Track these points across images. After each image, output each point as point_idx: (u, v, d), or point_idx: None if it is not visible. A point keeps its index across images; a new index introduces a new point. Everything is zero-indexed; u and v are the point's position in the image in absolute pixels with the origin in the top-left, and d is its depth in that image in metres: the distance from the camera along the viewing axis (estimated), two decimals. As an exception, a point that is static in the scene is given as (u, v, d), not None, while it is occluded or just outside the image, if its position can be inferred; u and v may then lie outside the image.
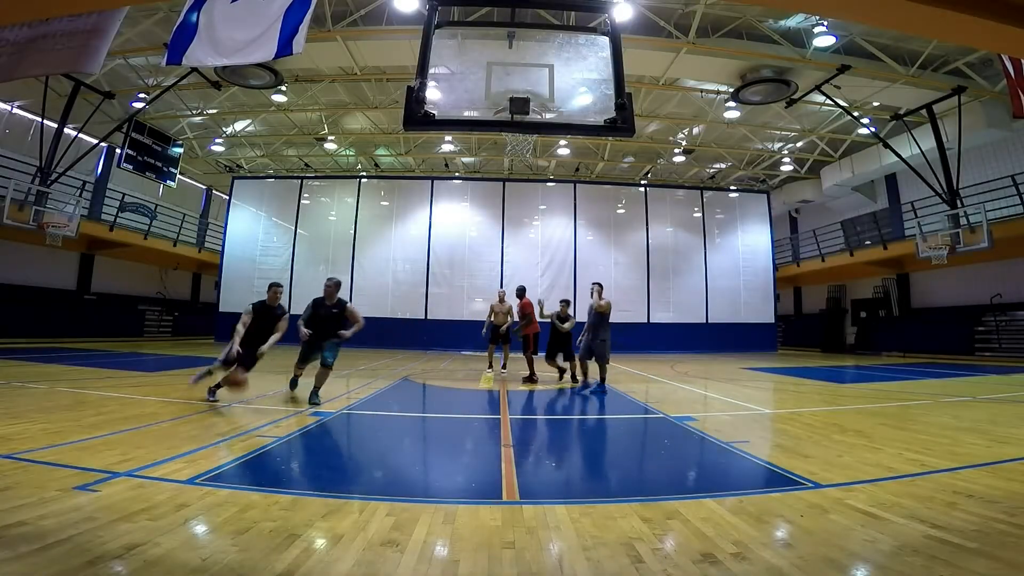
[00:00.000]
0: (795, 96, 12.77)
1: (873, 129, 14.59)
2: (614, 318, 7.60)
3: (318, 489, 2.83)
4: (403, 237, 18.65)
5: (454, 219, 18.76)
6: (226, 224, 19.29)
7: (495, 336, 8.84)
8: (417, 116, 2.66)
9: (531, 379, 7.93)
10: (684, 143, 17.67)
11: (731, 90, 12.84)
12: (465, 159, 19.89)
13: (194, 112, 15.56)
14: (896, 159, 14.22)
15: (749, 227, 19.85)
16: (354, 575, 1.84)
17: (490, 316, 8.87)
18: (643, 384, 8.41)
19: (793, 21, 10.94)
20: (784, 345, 21.01)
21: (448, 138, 18.02)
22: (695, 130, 16.86)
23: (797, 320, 23.14)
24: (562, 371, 8.05)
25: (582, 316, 7.57)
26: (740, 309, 19.08)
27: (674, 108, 15.12)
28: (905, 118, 13.56)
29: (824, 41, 10.99)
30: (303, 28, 6.78)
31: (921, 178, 13.33)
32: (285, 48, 6.76)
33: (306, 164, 19.78)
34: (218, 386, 5.21)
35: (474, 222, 18.89)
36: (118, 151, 15.56)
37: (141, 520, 2.22)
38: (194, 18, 7.11)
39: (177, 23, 7.31)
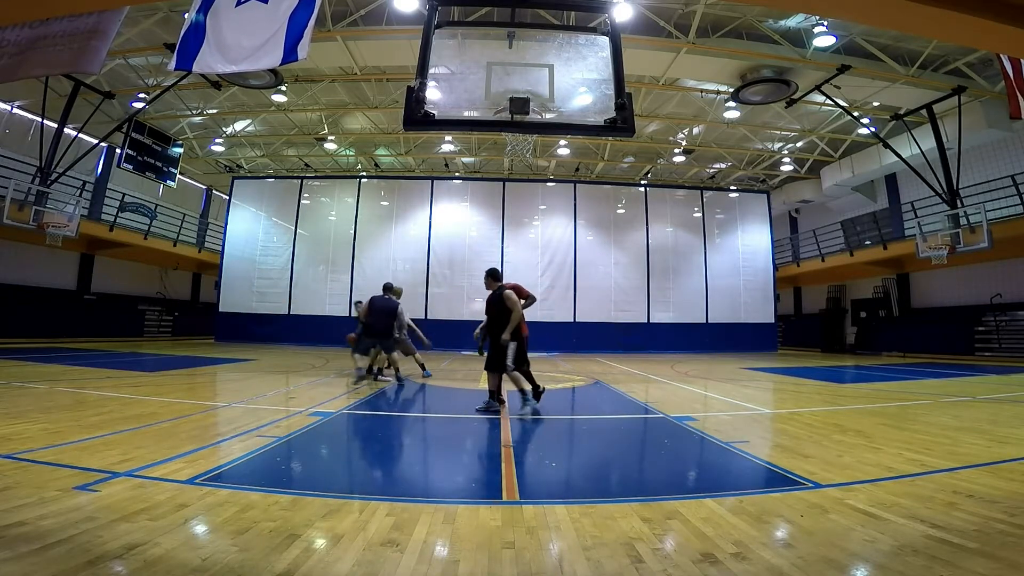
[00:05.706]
0: (795, 96, 12.78)
1: (873, 129, 14.58)
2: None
3: (318, 489, 2.83)
4: (403, 237, 18.65)
5: (454, 219, 18.77)
6: (226, 224, 19.30)
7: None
8: (417, 116, 2.67)
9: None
10: (684, 143, 17.66)
11: (731, 90, 12.84)
12: (465, 159, 19.88)
13: (194, 112, 15.55)
14: (896, 159, 14.22)
15: (749, 227, 19.85)
16: (354, 575, 1.84)
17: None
18: (643, 384, 8.41)
19: (793, 21, 10.94)
20: (784, 345, 21.01)
21: (448, 138, 18.01)
22: (695, 130, 16.85)
23: (797, 320, 23.13)
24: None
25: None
26: (740, 309, 19.08)
27: (674, 108, 15.12)
28: (905, 118, 13.55)
29: (824, 41, 10.98)
30: (307, 33, 6.75)
31: (921, 178, 13.33)
32: (291, 54, 6.73)
33: (306, 164, 19.78)
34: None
35: (474, 222, 18.89)
36: (118, 151, 15.56)
37: (141, 520, 2.22)
38: (200, 22, 7.05)
39: (184, 28, 7.23)
